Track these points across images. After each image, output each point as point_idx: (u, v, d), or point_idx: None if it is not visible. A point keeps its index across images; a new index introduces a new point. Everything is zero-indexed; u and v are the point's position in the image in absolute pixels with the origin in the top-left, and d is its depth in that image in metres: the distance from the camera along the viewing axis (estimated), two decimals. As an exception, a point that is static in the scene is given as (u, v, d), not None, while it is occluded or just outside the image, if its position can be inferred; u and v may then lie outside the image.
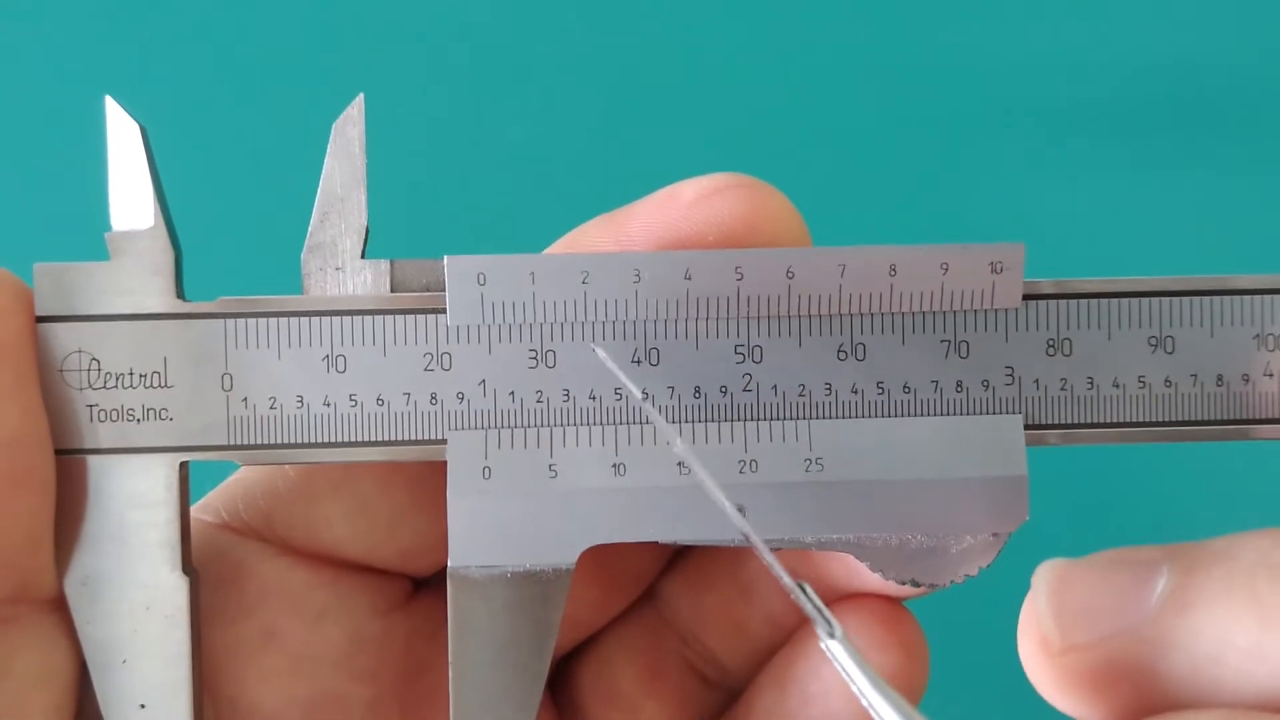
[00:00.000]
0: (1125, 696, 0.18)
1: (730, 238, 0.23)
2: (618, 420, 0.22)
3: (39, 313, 0.22)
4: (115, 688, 0.22)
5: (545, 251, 0.24)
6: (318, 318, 0.22)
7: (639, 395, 0.22)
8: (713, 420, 0.23)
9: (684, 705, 0.27)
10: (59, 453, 0.22)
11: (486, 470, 0.22)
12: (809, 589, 0.20)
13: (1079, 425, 0.23)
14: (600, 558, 0.24)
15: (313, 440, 0.22)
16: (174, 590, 0.22)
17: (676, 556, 0.27)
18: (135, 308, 0.22)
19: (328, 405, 0.22)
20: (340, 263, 0.23)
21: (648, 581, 0.27)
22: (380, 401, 0.22)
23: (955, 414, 0.23)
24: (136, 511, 0.22)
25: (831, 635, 0.19)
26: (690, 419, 0.22)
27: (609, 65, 0.50)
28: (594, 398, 0.22)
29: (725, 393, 0.22)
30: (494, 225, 0.46)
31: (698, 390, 0.23)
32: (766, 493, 0.22)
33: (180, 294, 0.22)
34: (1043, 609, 0.19)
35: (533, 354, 0.22)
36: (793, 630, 0.26)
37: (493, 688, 0.22)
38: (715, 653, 0.27)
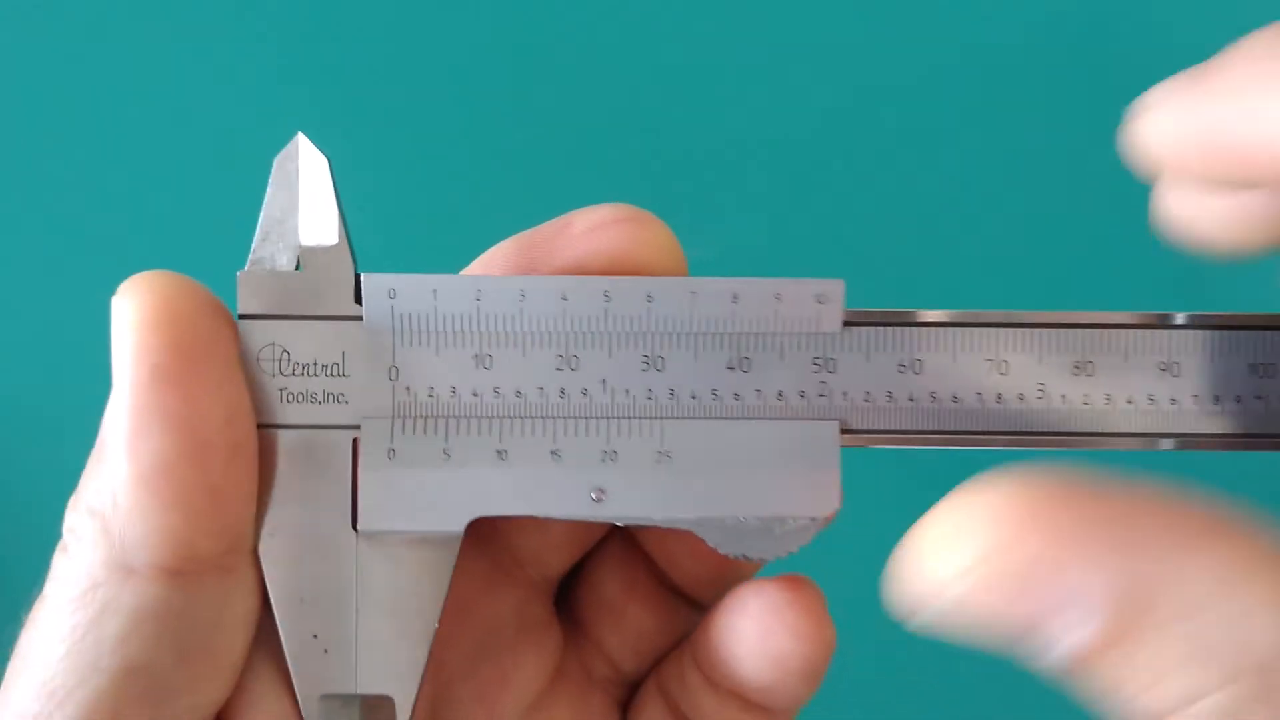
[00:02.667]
0: None
1: (613, 265, 0.27)
2: (501, 414, 0.27)
3: (241, 312, 0.27)
4: (293, 621, 0.27)
5: (463, 271, 0.29)
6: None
7: None
8: (581, 417, 0.27)
9: (657, 610, 0.32)
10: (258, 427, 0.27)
11: (391, 451, 0.27)
12: None
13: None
14: None
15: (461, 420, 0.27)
16: (344, 543, 0.27)
17: None
18: (320, 310, 0.27)
19: (475, 395, 0.27)
20: (278, 275, 0.27)
21: None
22: (519, 394, 0.27)
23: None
24: (315, 477, 0.27)
25: None
26: (562, 415, 0.27)
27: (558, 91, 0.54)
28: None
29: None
30: (424, 242, 0.50)
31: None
32: (624, 478, 0.27)
33: (358, 299, 0.27)
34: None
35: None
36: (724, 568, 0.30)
37: (393, 627, 0.27)
38: (669, 575, 0.32)
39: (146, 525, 0.25)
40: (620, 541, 0.32)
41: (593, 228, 0.28)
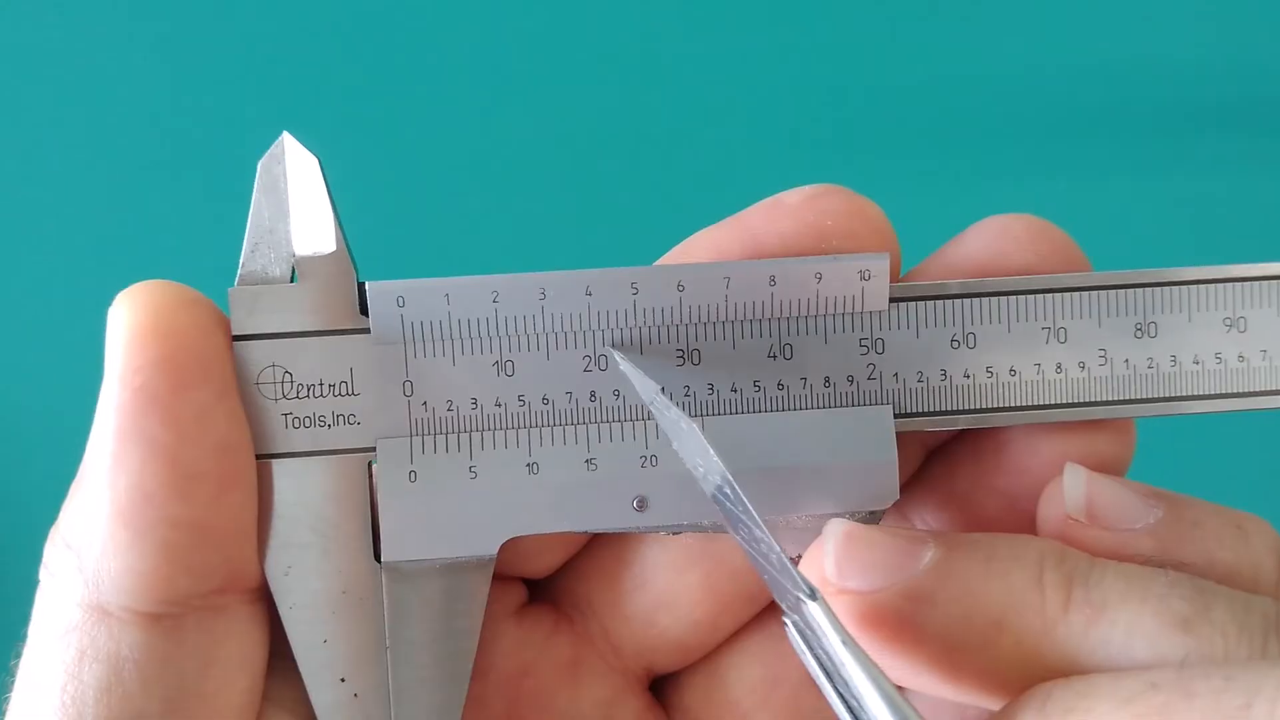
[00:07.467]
0: (890, 639, 0.22)
1: (825, 237, 0.25)
2: (528, 424, 0.25)
3: (235, 332, 0.24)
4: (317, 664, 0.25)
5: (659, 260, 0.26)
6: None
7: (655, 392, 0.24)
8: (615, 421, 0.25)
9: (796, 716, 0.27)
10: (258, 457, 0.24)
11: (412, 474, 0.25)
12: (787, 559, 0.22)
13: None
14: (712, 582, 0.26)
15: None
16: (368, 576, 0.25)
17: None
18: (322, 324, 0.24)
19: (499, 405, 0.25)
20: (272, 289, 0.25)
21: (763, 604, 0.27)
22: (546, 400, 0.25)
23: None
24: (331, 507, 0.24)
25: (813, 597, 0.21)
26: (595, 420, 0.25)
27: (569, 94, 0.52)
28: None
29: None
30: (421, 244, 0.48)
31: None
32: (666, 483, 0.25)
33: (363, 310, 0.25)
34: (827, 555, 0.23)
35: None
36: None
37: (427, 666, 0.25)
38: None
39: (122, 563, 0.22)
40: (762, 638, 0.27)
41: (806, 199, 0.25)
